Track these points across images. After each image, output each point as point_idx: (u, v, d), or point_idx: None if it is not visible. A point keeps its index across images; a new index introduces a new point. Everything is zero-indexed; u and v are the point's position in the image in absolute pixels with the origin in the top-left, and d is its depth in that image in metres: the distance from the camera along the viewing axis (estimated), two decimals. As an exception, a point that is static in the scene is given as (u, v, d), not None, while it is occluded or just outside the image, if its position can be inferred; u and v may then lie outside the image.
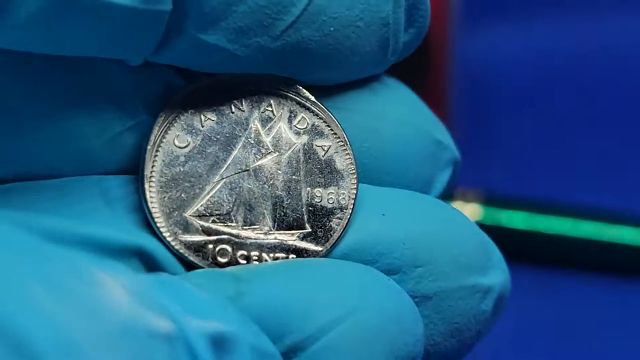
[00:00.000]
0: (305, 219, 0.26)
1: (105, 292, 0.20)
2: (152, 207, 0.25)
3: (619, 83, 0.57)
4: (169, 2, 0.23)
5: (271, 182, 0.26)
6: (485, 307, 0.26)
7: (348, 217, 0.26)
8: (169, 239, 0.25)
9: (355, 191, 0.26)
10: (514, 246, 0.47)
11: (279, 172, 0.26)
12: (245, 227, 0.25)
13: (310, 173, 0.26)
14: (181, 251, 0.25)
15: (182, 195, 0.25)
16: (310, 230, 0.26)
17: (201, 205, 0.25)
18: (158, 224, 0.25)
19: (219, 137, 0.26)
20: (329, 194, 0.26)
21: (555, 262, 0.48)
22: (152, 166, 0.25)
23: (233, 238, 0.25)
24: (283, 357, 0.24)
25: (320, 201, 0.26)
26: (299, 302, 0.24)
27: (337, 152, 0.26)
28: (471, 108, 0.53)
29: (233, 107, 0.26)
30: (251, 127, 0.26)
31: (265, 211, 0.26)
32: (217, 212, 0.25)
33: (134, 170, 0.25)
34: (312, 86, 0.26)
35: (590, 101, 0.56)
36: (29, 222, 0.23)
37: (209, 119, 0.26)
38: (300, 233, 0.26)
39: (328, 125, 0.26)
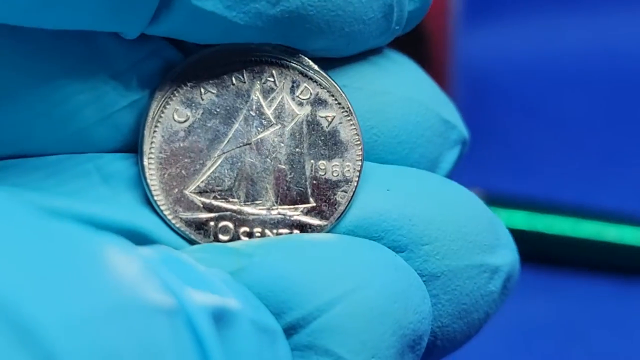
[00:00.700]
0: (309, 193, 0.25)
1: (105, 266, 0.19)
2: (152, 184, 0.24)
3: (619, 83, 0.57)
4: None
5: (274, 155, 0.25)
6: (494, 288, 0.26)
7: (353, 189, 0.25)
8: (169, 216, 0.24)
9: (360, 163, 0.25)
10: (514, 246, 0.47)
11: (282, 145, 0.25)
12: (247, 203, 0.25)
13: (314, 145, 0.25)
14: (182, 229, 0.24)
15: (183, 171, 0.25)
16: (314, 204, 0.25)
17: (202, 182, 0.25)
18: (158, 202, 0.24)
19: (219, 110, 0.25)
20: (333, 166, 0.25)
21: (556, 262, 0.48)
22: (151, 142, 0.24)
23: (235, 214, 0.25)
24: (286, 333, 0.23)
25: (325, 174, 0.25)
26: (301, 277, 0.23)
27: (341, 123, 0.25)
28: (471, 107, 0.53)
29: (233, 79, 0.25)
30: (252, 99, 0.25)
31: (267, 186, 0.25)
32: (218, 188, 0.25)
33: (132, 150, 0.25)
34: (315, 60, 0.25)
35: (591, 101, 0.56)
36: (21, 199, 0.23)
37: (209, 91, 0.25)
38: (304, 207, 0.25)
39: (332, 95, 0.25)
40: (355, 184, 0.25)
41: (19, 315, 0.18)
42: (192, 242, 0.25)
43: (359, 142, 0.25)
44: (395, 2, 0.25)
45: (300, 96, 0.25)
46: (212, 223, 0.25)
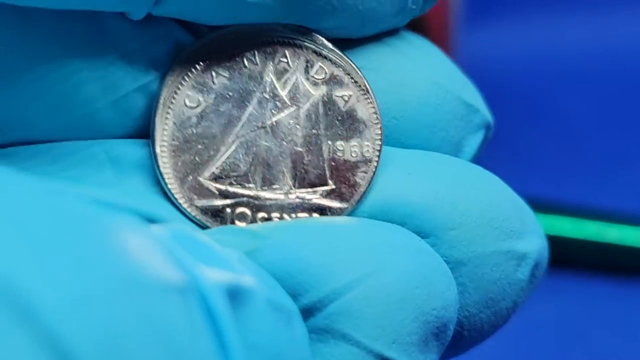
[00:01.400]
0: (328, 175, 0.24)
1: (112, 241, 0.18)
2: (165, 172, 0.24)
3: (620, 83, 0.57)
4: None
5: (289, 138, 0.24)
6: (522, 275, 0.25)
7: (374, 170, 0.24)
8: (184, 205, 0.24)
9: (380, 142, 0.24)
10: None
11: (298, 127, 0.24)
12: (264, 188, 0.24)
13: (330, 126, 0.24)
14: (198, 217, 0.24)
15: (196, 158, 0.24)
16: (333, 186, 0.24)
17: (216, 168, 0.24)
18: (172, 190, 0.24)
19: (232, 93, 0.24)
20: (352, 146, 0.24)
21: (556, 263, 0.48)
22: (164, 129, 0.24)
23: (252, 200, 0.24)
24: (302, 315, 0.22)
25: (343, 155, 0.24)
26: (318, 259, 0.22)
27: (359, 102, 0.24)
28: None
29: (246, 61, 0.24)
30: (266, 81, 0.24)
31: (284, 169, 0.24)
32: (233, 173, 0.24)
33: (143, 135, 0.24)
34: (329, 40, 0.25)
35: (592, 101, 0.56)
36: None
37: (220, 75, 0.24)
38: (323, 190, 0.24)
39: (348, 74, 0.24)
40: (375, 164, 0.24)
41: (19, 292, 0.17)
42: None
43: (377, 121, 0.24)
44: None
45: (315, 76, 0.24)
46: (228, 210, 0.24)
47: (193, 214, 0.24)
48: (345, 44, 0.25)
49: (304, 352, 0.22)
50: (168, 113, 0.24)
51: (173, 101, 0.24)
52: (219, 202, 0.24)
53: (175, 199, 0.24)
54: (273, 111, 0.24)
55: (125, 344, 0.17)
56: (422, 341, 0.23)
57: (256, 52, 0.24)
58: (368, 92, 0.24)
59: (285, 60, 0.24)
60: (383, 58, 0.25)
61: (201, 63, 0.24)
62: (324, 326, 0.22)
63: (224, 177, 0.24)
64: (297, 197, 0.24)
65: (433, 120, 0.25)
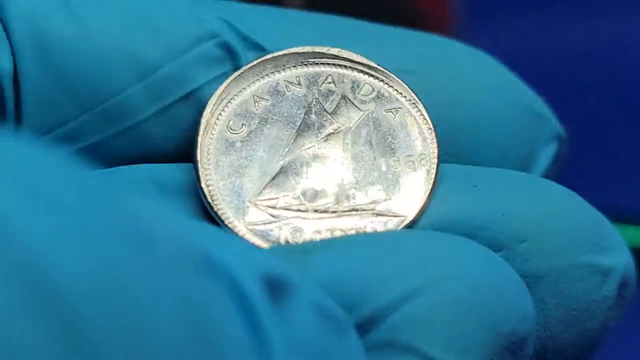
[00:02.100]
0: (382, 189, 0.23)
1: (150, 224, 0.17)
2: (212, 196, 0.23)
3: (620, 82, 0.57)
4: None
5: (339, 155, 0.24)
6: (607, 293, 0.23)
7: (431, 182, 0.23)
8: (235, 228, 0.23)
9: (436, 151, 0.23)
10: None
11: (347, 144, 0.24)
12: (314, 207, 0.23)
13: (382, 140, 0.24)
14: (246, 237, 0.23)
15: (243, 180, 0.23)
16: (389, 200, 0.23)
17: (265, 189, 0.23)
18: (219, 212, 0.23)
19: (275, 117, 0.24)
20: (406, 157, 0.23)
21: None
22: (207, 154, 0.23)
23: (302, 218, 0.23)
24: (360, 330, 0.20)
25: (397, 168, 0.23)
26: (374, 269, 0.21)
27: (409, 114, 0.24)
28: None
29: (289, 85, 0.24)
30: (311, 103, 0.24)
31: (335, 187, 0.23)
32: (282, 193, 0.23)
33: (188, 150, 0.24)
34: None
35: (592, 100, 0.56)
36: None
37: (263, 99, 0.24)
38: (376, 205, 0.23)
39: (395, 89, 0.24)
40: (434, 175, 0.23)
41: (41, 280, 0.15)
42: None
43: (430, 129, 0.24)
44: None
45: (361, 95, 0.24)
46: (279, 230, 0.23)
47: (241, 234, 0.23)
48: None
49: None
50: (211, 139, 0.24)
51: (215, 127, 0.24)
52: (270, 223, 0.23)
53: (222, 220, 0.23)
54: (321, 130, 0.24)
55: (126, 290, 0.16)
56: (496, 355, 0.21)
57: (300, 77, 0.24)
58: (417, 102, 0.24)
59: (331, 81, 0.24)
60: (433, 62, 0.24)
61: (244, 88, 0.24)
62: (385, 339, 0.20)
63: (273, 198, 0.23)
64: (348, 213, 0.23)
65: (496, 129, 0.24)
